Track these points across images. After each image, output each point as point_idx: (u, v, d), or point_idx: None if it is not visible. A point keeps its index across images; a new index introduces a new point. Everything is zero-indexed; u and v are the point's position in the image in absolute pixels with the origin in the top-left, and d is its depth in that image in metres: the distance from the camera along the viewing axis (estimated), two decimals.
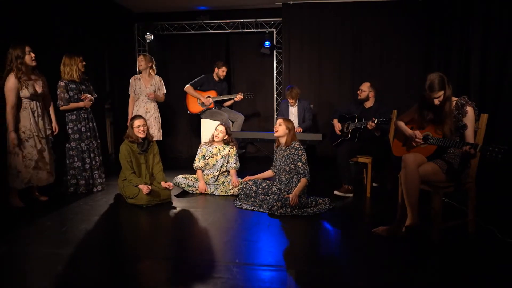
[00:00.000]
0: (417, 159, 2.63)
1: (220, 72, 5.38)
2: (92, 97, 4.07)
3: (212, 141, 4.19)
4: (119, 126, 5.84)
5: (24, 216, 3.31)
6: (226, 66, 5.48)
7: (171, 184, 3.77)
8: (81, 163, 4.00)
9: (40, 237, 2.81)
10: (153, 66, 4.84)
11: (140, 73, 4.88)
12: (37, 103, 3.55)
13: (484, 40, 4.59)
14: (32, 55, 3.44)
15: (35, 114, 3.53)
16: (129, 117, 4.67)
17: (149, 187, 3.54)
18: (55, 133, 3.79)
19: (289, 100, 5.06)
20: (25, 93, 3.41)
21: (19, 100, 3.42)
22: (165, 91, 4.92)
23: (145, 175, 3.77)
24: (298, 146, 3.57)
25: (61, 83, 3.89)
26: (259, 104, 6.59)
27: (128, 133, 3.73)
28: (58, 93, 3.88)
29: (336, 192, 3.91)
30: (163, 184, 3.71)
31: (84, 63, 3.99)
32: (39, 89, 3.53)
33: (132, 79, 4.82)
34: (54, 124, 3.78)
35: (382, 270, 2.30)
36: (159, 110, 5.01)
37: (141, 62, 4.76)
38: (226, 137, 4.16)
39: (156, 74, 4.90)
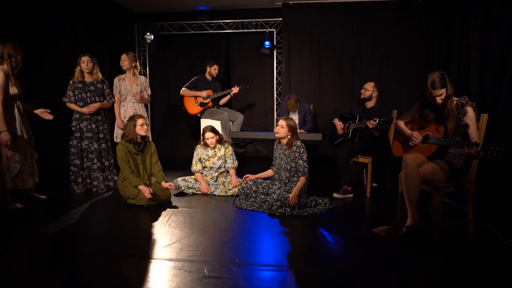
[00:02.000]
0: (417, 159, 2.63)
1: (212, 70, 5.37)
2: (96, 105, 4.03)
3: (206, 145, 4.15)
4: None
5: (23, 216, 3.30)
6: (218, 64, 5.46)
7: (173, 184, 3.76)
8: (79, 162, 4.00)
9: (40, 238, 2.81)
10: (137, 65, 4.59)
11: (123, 73, 4.54)
12: (20, 103, 3.46)
13: (484, 40, 4.59)
14: (21, 54, 3.39)
15: (21, 113, 3.44)
16: (117, 118, 4.50)
17: (151, 190, 3.53)
18: (50, 117, 3.66)
19: (290, 108, 5.04)
20: (13, 90, 3.30)
21: (6, 99, 3.27)
22: (150, 92, 4.69)
23: (143, 175, 3.76)
24: (300, 144, 3.57)
25: (70, 81, 4.00)
26: (259, 104, 6.59)
27: (126, 133, 3.70)
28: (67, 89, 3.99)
29: (335, 195, 3.88)
30: (163, 184, 3.71)
31: (87, 64, 3.96)
32: (21, 89, 3.43)
33: (116, 80, 4.49)
34: (38, 111, 3.62)
35: (382, 270, 2.30)
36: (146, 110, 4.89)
37: (124, 61, 4.43)
38: (217, 137, 4.15)
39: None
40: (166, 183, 3.72)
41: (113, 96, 4.37)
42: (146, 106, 4.73)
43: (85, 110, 3.98)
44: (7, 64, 3.29)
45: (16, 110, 3.39)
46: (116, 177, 4.21)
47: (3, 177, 3.34)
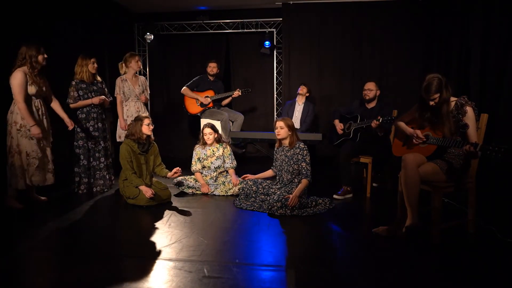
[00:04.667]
0: (417, 159, 2.63)
1: (208, 69, 5.37)
2: (105, 97, 4.15)
3: (205, 143, 4.17)
4: None
5: (24, 217, 3.30)
6: (215, 61, 5.41)
7: (179, 168, 3.76)
8: (86, 162, 4.04)
9: (39, 238, 2.81)
10: None
11: (124, 73, 4.57)
12: (41, 101, 3.58)
13: (484, 40, 4.58)
14: (45, 55, 3.51)
15: (39, 113, 3.55)
16: (120, 118, 4.50)
17: (153, 191, 3.54)
18: (70, 128, 3.80)
19: (300, 91, 5.17)
20: (31, 90, 3.44)
21: (27, 97, 3.43)
22: (149, 92, 4.75)
23: (146, 176, 3.76)
24: (303, 146, 3.58)
25: (72, 82, 4.03)
26: (259, 104, 6.59)
27: (132, 132, 3.70)
28: (69, 91, 4.00)
29: (335, 196, 3.88)
30: (169, 174, 3.77)
31: (95, 65, 4.07)
32: (44, 88, 3.58)
33: (119, 80, 4.51)
34: (67, 119, 3.76)
35: (382, 270, 2.30)
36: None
37: (135, 64, 4.48)
38: (216, 135, 4.15)
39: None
40: (171, 172, 3.76)
41: (113, 96, 4.45)
42: (145, 105, 4.77)
43: (95, 100, 4.04)
44: (27, 65, 3.43)
45: (34, 108, 3.51)
46: (113, 176, 4.28)
47: (22, 173, 3.43)
